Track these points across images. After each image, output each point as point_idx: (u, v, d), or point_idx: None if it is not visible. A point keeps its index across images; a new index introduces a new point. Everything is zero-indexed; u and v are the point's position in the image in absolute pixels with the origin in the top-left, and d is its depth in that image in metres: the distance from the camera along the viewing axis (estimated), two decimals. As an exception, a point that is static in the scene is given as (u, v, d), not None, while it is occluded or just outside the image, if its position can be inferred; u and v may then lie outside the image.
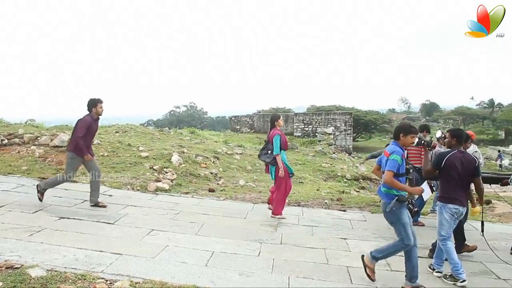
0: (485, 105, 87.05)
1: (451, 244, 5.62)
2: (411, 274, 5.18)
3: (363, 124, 55.43)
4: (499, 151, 40.43)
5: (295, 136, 30.89)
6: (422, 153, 7.99)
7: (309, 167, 15.46)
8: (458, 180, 5.60)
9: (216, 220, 7.46)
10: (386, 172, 5.03)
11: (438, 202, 5.83)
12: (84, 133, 7.36)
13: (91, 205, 7.60)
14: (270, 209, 8.06)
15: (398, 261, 6.09)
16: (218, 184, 11.11)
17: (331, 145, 24.90)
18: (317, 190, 11.23)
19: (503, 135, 62.46)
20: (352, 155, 30.14)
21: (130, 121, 21.52)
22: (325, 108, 55.26)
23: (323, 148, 21.90)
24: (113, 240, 5.93)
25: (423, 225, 8.42)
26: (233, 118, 38.17)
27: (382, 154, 5.34)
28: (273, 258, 5.73)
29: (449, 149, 5.90)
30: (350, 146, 33.32)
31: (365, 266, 5.32)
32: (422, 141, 6.70)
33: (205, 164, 12.85)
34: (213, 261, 5.45)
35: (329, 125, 31.58)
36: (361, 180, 14.59)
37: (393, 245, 5.29)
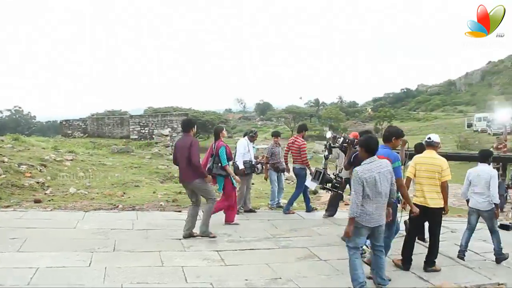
0: (311, 104, 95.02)
1: None
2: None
3: (201, 125, 56.18)
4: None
5: (131, 139, 30.05)
6: (302, 152, 9.28)
7: (146, 170, 15.21)
8: None
9: (42, 233, 6.90)
10: (399, 180, 5.42)
11: None
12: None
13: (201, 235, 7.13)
14: None
15: (231, 255, 6.35)
16: (45, 194, 10.31)
17: (168, 146, 24.76)
18: (154, 192, 11.11)
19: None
20: (190, 155, 30.34)
21: None
22: (162, 109, 54.90)
23: (159, 150, 21.73)
24: None
25: (293, 213, 9.52)
26: (64, 123, 35.63)
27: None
28: (106, 267, 5.50)
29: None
30: (188, 147, 33.50)
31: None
32: (347, 140, 7.43)
33: (30, 173, 11.85)
34: (38, 278, 5.03)
35: (166, 127, 31.39)
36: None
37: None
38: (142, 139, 30.23)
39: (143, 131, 31.77)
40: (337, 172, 8.35)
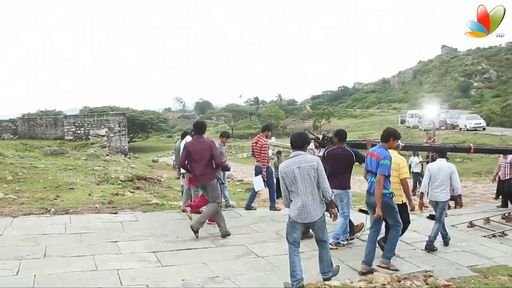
0: (251, 102, 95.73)
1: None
2: (391, 251, 6.00)
3: (139, 124, 55.38)
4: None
5: (66, 140, 29.06)
6: (262, 151, 9.40)
7: (81, 171, 14.71)
8: (335, 170, 6.49)
9: (-36, 243, 6.49)
10: (379, 176, 5.60)
11: (334, 190, 6.39)
12: None
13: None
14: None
15: (168, 256, 6.27)
16: (-31, 200, 9.72)
17: (105, 147, 24.19)
18: (89, 195, 10.76)
19: (267, 128, 69.54)
20: (128, 155, 29.83)
21: None
22: (99, 109, 53.48)
23: (96, 151, 21.13)
24: None
25: (280, 209, 9.54)
26: (-9, 124, 33.89)
27: (370, 157, 5.90)
28: (35, 274, 5.25)
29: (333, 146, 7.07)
30: (126, 147, 32.90)
31: (387, 268, 5.79)
32: (327, 137, 7.70)
33: (-49, 179, 11.15)
34: (-43, 291, 4.74)
35: (102, 127, 30.64)
36: (136, 181, 14.56)
37: (393, 236, 5.99)
38: (78, 140, 29.33)
39: (79, 131, 30.83)
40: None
